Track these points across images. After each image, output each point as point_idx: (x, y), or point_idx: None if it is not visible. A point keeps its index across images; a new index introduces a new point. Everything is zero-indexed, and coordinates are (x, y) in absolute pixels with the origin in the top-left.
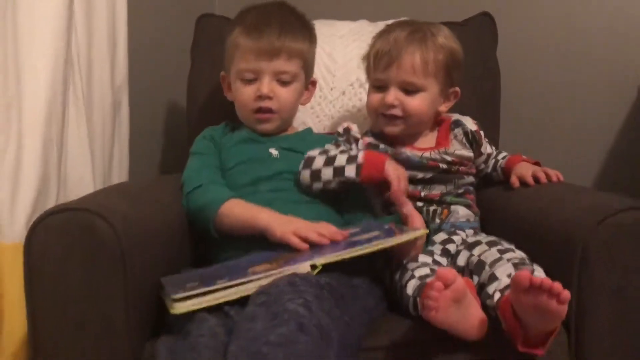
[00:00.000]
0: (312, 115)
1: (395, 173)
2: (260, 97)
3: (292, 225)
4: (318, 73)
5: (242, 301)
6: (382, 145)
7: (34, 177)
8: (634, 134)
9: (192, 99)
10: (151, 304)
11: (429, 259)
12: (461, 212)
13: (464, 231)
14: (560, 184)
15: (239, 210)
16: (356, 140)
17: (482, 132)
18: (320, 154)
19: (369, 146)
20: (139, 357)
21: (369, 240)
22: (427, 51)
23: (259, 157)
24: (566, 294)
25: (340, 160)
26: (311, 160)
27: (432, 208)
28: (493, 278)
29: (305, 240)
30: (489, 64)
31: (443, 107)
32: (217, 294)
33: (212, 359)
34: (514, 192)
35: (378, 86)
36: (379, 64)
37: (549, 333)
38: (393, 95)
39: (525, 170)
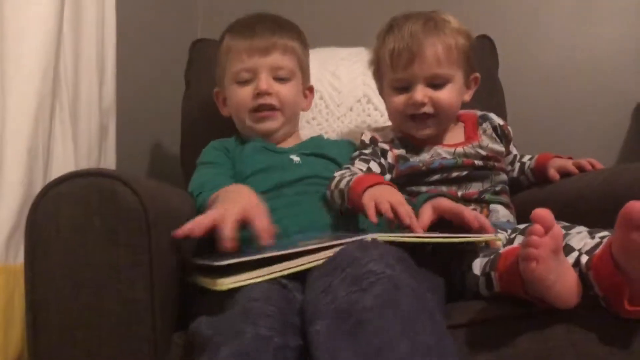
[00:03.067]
0: (320, 131)
1: (370, 202)
2: (259, 95)
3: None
4: (323, 90)
5: (299, 276)
6: (412, 159)
7: (17, 194)
8: (633, 156)
9: (187, 123)
10: (177, 291)
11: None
12: (501, 212)
13: (507, 232)
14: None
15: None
16: (384, 153)
17: (509, 128)
18: (339, 173)
19: (398, 158)
20: (165, 350)
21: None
22: (447, 38)
23: (280, 165)
24: None
25: (342, 184)
26: (332, 180)
27: (470, 208)
28: (568, 249)
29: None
30: (492, 84)
31: (467, 97)
32: (272, 267)
33: (272, 330)
34: (552, 185)
35: (399, 87)
36: (398, 63)
37: None
38: (421, 92)
39: (563, 162)
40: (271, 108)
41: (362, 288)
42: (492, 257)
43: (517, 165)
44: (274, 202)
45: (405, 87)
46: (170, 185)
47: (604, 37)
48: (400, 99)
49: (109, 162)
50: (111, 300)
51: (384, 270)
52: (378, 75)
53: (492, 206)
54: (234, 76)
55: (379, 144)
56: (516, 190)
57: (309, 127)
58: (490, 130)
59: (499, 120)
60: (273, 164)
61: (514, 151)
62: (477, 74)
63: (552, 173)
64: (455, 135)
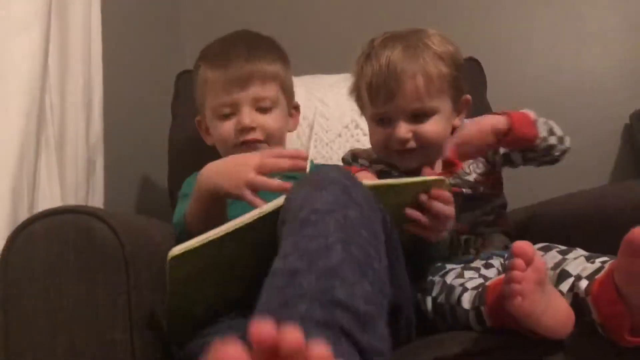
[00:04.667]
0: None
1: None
2: (242, 130)
3: (244, 171)
4: (311, 118)
5: None
6: (395, 173)
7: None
8: (624, 176)
9: (174, 155)
10: (159, 330)
11: (475, 274)
12: (497, 240)
13: (504, 256)
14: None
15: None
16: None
17: None
18: None
19: (380, 175)
20: None
21: None
22: (428, 67)
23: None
24: None
25: None
26: None
27: (464, 237)
28: (565, 275)
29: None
30: (482, 105)
31: (457, 121)
32: (222, 227)
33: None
34: (546, 206)
35: (381, 119)
36: (377, 98)
37: None
38: (404, 128)
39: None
40: (256, 142)
41: (317, 191)
42: (480, 290)
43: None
44: None
45: (385, 120)
46: (159, 219)
47: (591, 56)
48: (383, 133)
49: (97, 198)
50: (89, 343)
51: (340, 179)
52: (359, 104)
53: (487, 237)
54: (214, 111)
55: (359, 160)
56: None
57: None
58: None
59: None
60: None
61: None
62: (468, 96)
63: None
64: (438, 163)
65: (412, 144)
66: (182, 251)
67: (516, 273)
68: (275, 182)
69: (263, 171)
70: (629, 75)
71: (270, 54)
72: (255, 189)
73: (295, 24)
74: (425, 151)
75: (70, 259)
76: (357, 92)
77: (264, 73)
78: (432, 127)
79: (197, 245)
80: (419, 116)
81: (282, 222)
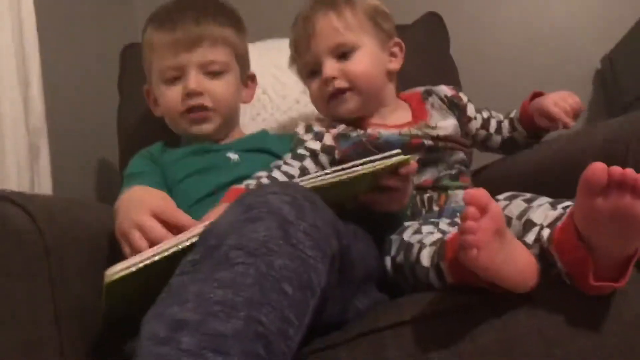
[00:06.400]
0: (265, 125)
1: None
2: (189, 95)
3: (138, 212)
4: (266, 84)
5: None
6: (354, 134)
7: None
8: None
9: (124, 133)
10: (93, 324)
11: (433, 229)
12: (460, 196)
13: None
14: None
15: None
16: (320, 136)
17: (463, 96)
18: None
19: (338, 137)
20: None
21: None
22: (340, 8)
23: (215, 165)
24: None
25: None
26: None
27: (426, 195)
28: (529, 225)
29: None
30: (445, 61)
31: (394, 64)
32: (152, 251)
33: None
34: (511, 158)
35: (311, 71)
36: (299, 49)
37: (629, 257)
38: (328, 66)
39: (542, 102)
40: (204, 109)
41: (245, 217)
42: (438, 246)
43: (494, 123)
44: (211, 207)
45: (316, 71)
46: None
47: (557, 3)
48: (315, 84)
49: (44, 184)
50: (10, 343)
51: (281, 208)
52: (298, 71)
53: (450, 192)
54: (160, 75)
55: (314, 128)
56: (512, 150)
57: (253, 124)
58: (438, 104)
59: (446, 91)
60: (207, 165)
61: (484, 114)
62: (398, 39)
63: (538, 119)
64: (401, 115)
65: (341, 83)
66: (118, 277)
67: (470, 223)
68: (163, 231)
69: (161, 216)
70: (597, 19)
71: (223, 17)
72: (144, 234)
73: None
74: (358, 91)
75: None
76: (291, 60)
77: (213, 36)
78: (357, 62)
79: (133, 270)
80: (344, 55)
81: (201, 243)
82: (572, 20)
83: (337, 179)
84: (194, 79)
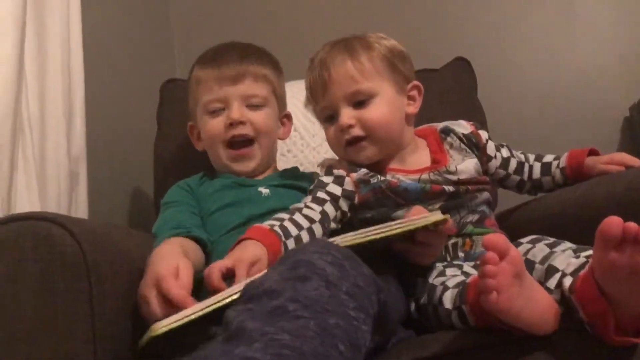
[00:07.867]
0: (296, 163)
1: (231, 258)
2: (232, 125)
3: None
4: (297, 122)
5: None
6: (374, 180)
7: None
8: None
9: (160, 165)
10: (125, 340)
11: (457, 271)
12: None
13: None
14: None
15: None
16: (341, 181)
17: (482, 133)
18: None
19: (358, 183)
20: None
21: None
22: (357, 54)
23: (247, 198)
24: None
25: None
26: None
27: (451, 242)
28: (552, 270)
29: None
30: (472, 103)
31: (413, 108)
32: (199, 305)
33: None
34: (535, 201)
35: (328, 116)
36: (316, 93)
37: None
38: (345, 115)
39: (599, 164)
40: (246, 140)
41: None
42: (460, 288)
43: (514, 163)
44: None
45: (333, 116)
46: (144, 230)
47: (586, 49)
48: (332, 129)
49: (81, 210)
50: (49, 354)
51: (324, 267)
52: (314, 112)
53: (475, 237)
54: (205, 107)
55: (334, 171)
56: (530, 191)
57: (284, 160)
58: (457, 143)
59: (464, 129)
60: (240, 198)
61: (504, 153)
62: (417, 82)
63: (612, 168)
64: (420, 157)
65: (357, 132)
66: (164, 331)
67: (489, 267)
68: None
69: (158, 288)
70: (626, 68)
71: (263, 58)
72: (159, 290)
73: (283, 32)
74: (375, 139)
75: (29, 267)
76: (307, 102)
77: (255, 73)
78: (374, 110)
79: (178, 324)
80: (360, 103)
81: (248, 295)
82: (601, 68)
83: (378, 236)
84: (237, 110)
